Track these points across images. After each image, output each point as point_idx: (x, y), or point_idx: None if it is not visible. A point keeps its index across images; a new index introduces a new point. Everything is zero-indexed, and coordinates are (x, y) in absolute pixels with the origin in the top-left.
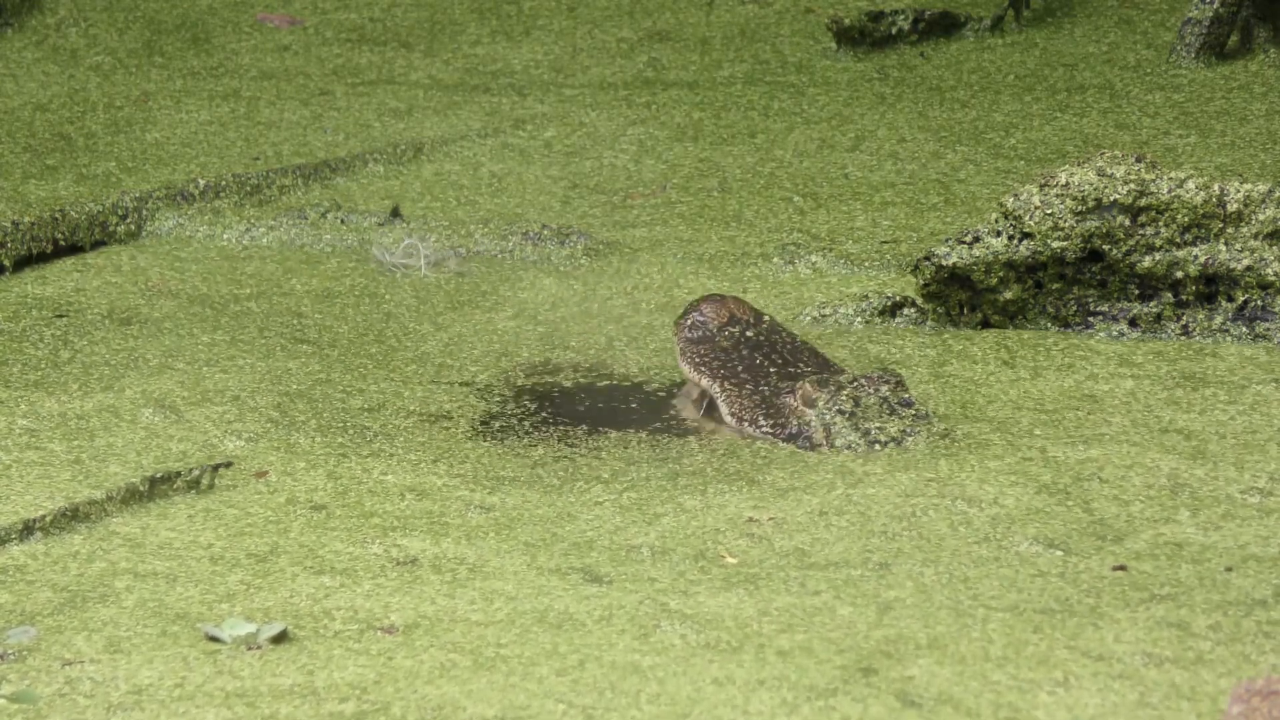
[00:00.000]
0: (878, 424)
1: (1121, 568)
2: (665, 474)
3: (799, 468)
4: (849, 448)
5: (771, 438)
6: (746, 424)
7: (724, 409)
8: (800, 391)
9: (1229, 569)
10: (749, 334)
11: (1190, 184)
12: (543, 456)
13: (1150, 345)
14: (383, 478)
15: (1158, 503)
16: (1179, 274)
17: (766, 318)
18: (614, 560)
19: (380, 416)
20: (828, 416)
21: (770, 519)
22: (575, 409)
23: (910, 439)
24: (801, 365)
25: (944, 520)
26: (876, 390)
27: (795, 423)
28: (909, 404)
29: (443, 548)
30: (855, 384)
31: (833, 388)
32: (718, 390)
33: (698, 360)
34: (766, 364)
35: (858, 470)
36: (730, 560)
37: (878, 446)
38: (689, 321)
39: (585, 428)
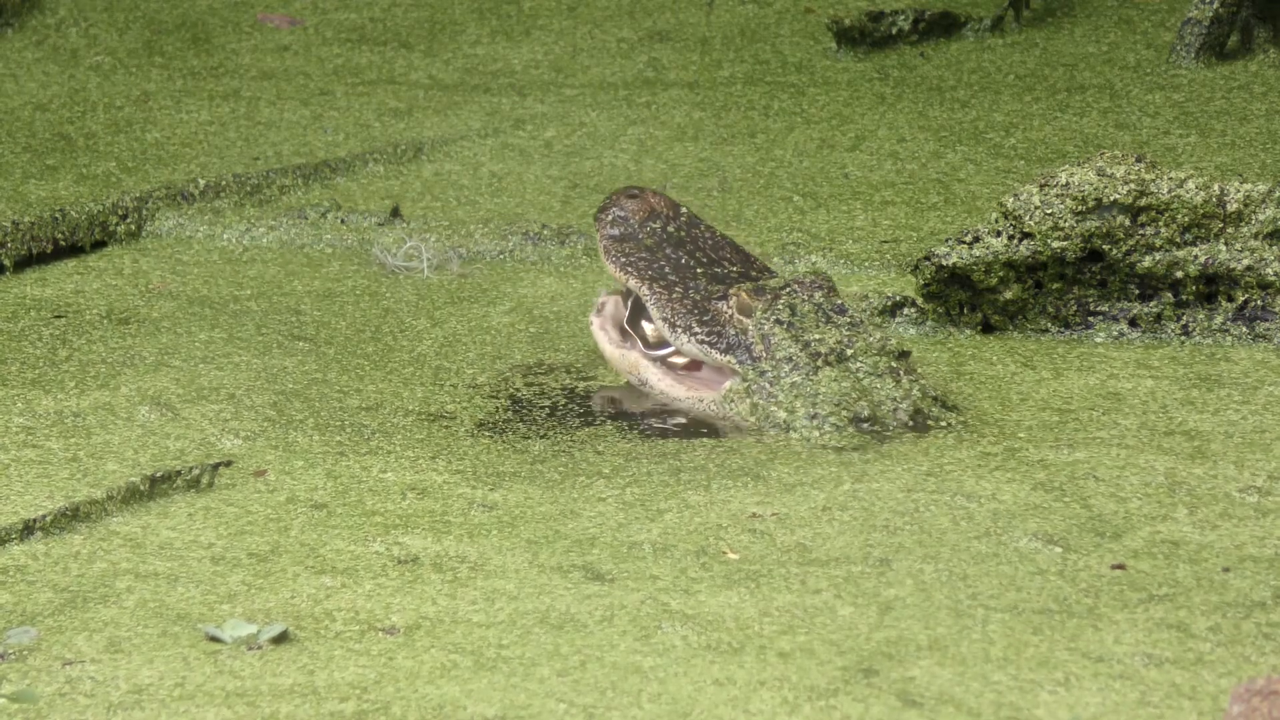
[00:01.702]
0: (816, 335)
1: (1120, 567)
2: (668, 469)
3: (803, 462)
4: (789, 360)
5: (708, 348)
6: (681, 331)
7: (654, 313)
8: (735, 299)
9: (1227, 569)
10: (670, 229)
11: (1190, 184)
12: (543, 452)
13: (1166, 350)
14: (382, 475)
15: (1156, 500)
16: (1179, 274)
17: (684, 210)
18: (616, 558)
19: (378, 414)
20: (765, 327)
21: (774, 514)
22: (575, 406)
23: (850, 352)
24: (726, 264)
25: (945, 515)
26: (811, 297)
27: (733, 332)
28: (843, 310)
29: (444, 546)
30: (789, 290)
31: (769, 296)
32: (646, 292)
33: (624, 260)
34: (692, 263)
35: (861, 465)
36: (731, 556)
37: (819, 359)
38: (609, 217)
39: (585, 424)
